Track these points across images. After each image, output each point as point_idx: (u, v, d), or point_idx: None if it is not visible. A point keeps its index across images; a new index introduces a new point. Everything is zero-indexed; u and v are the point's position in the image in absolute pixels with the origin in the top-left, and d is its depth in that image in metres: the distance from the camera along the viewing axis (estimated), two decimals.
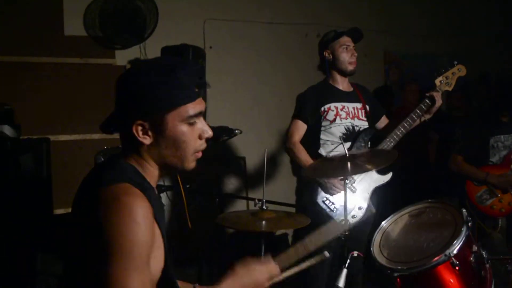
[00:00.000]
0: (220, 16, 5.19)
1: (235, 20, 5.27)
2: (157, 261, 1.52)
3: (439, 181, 4.35)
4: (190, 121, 1.54)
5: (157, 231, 1.51)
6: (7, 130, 3.71)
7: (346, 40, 3.48)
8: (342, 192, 3.21)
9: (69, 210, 1.63)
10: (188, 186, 3.40)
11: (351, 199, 3.26)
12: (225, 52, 5.22)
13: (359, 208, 3.29)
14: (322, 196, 3.32)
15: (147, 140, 1.51)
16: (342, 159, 2.57)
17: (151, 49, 4.67)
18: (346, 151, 2.56)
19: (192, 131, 1.55)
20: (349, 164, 2.52)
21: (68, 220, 1.58)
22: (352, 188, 3.31)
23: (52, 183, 3.88)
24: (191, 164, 1.60)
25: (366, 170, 2.59)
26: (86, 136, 4.52)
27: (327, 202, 3.29)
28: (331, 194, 3.29)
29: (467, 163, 3.82)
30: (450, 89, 3.33)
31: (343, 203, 3.13)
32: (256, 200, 2.68)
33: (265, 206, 2.65)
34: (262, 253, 2.70)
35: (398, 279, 2.23)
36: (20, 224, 3.52)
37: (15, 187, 3.60)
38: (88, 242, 1.43)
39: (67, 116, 4.46)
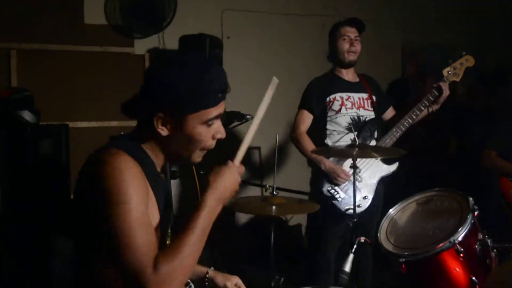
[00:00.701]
0: (238, 6, 5.21)
1: (252, 10, 5.29)
2: (152, 214, 1.56)
3: (461, 176, 4.30)
4: (209, 123, 1.59)
5: (152, 198, 1.57)
6: (27, 115, 3.78)
7: (347, 30, 3.49)
8: (341, 181, 3.28)
9: None
10: (202, 172, 3.45)
11: (357, 188, 3.27)
12: (243, 42, 5.25)
13: (364, 198, 3.32)
14: (327, 185, 3.35)
15: (164, 132, 1.56)
16: (349, 146, 2.61)
17: (170, 38, 4.72)
18: (356, 138, 2.60)
19: (208, 132, 1.61)
20: (356, 149, 2.57)
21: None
22: (358, 178, 3.28)
23: (70, 169, 3.97)
24: (198, 159, 1.66)
25: (371, 157, 2.62)
26: (104, 123, 4.59)
27: (332, 191, 3.32)
28: (336, 184, 3.32)
29: (500, 159, 3.79)
30: (458, 79, 3.31)
31: (348, 193, 3.22)
32: (267, 186, 2.72)
33: (276, 192, 2.69)
34: (272, 241, 2.74)
35: (403, 265, 2.26)
36: (38, 208, 3.60)
37: (34, 171, 3.68)
38: (86, 208, 1.51)
39: (86, 103, 4.53)
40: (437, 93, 3.27)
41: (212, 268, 2.06)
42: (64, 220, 3.66)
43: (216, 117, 1.61)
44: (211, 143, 1.65)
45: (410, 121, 3.30)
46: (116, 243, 1.41)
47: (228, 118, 2.84)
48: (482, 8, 6.37)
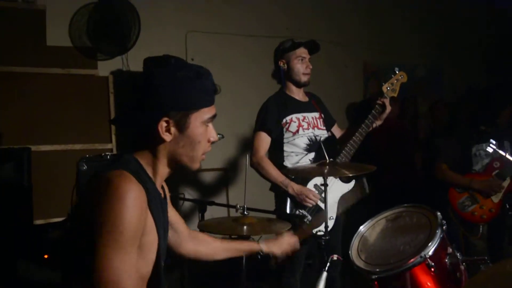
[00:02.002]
0: (202, 28, 5.25)
1: (216, 32, 5.34)
2: (150, 250, 1.61)
3: (423, 189, 4.42)
4: (206, 123, 1.69)
5: (150, 220, 1.59)
6: None
7: (302, 51, 3.51)
8: (310, 203, 3.31)
9: (49, 220, 1.71)
10: (170, 194, 3.41)
11: (321, 209, 3.32)
12: (207, 63, 5.19)
13: (330, 218, 3.35)
14: (295, 209, 3.36)
15: (167, 137, 1.63)
16: (321, 165, 2.64)
17: (133, 60, 4.72)
18: (327, 157, 2.63)
19: (205, 134, 1.70)
20: (327, 167, 2.59)
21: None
22: (322, 199, 3.30)
23: (33, 193, 3.88)
24: (197, 164, 1.73)
25: (343, 174, 2.65)
26: (67, 146, 4.52)
27: (298, 213, 3.34)
28: (304, 205, 3.33)
29: (451, 171, 3.91)
30: (395, 95, 3.42)
31: (315, 215, 3.26)
32: (238, 206, 2.72)
33: (246, 212, 2.68)
34: (244, 262, 2.74)
35: (375, 282, 2.28)
36: (0, 234, 3.50)
37: None
38: (83, 227, 1.52)
39: (48, 126, 4.47)
40: (380, 109, 3.37)
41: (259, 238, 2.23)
42: (28, 246, 3.58)
43: (211, 118, 1.70)
44: (208, 146, 1.74)
45: (360, 137, 3.36)
46: (95, 266, 1.43)
47: None
48: (443, 28, 6.58)
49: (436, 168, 3.99)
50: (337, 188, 3.44)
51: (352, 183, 3.47)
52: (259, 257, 2.12)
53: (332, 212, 3.38)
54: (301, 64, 3.49)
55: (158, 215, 1.63)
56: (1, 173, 3.68)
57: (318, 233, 3.21)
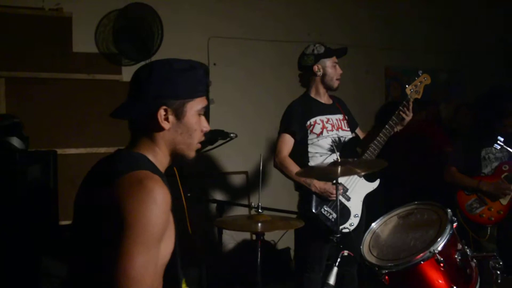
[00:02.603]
0: (224, 34, 5.33)
1: (238, 37, 5.42)
2: (168, 244, 1.65)
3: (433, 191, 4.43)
4: (200, 112, 1.77)
5: (171, 217, 1.63)
6: (16, 141, 3.82)
7: (335, 58, 3.63)
8: (333, 198, 3.36)
9: None
10: (189, 194, 3.49)
11: (346, 207, 3.42)
12: (229, 68, 5.35)
13: (355, 216, 3.44)
14: (319, 206, 3.43)
15: (166, 125, 1.70)
16: (334, 164, 2.68)
17: None
18: (338, 157, 2.67)
19: (199, 123, 1.78)
20: (339, 167, 2.63)
21: (75, 216, 1.71)
22: (346, 196, 3.44)
23: (58, 195, 3.99)
24: (193, 153, 1.81)
25: (356, 173, 2.69)
26: (92, 150, 4.65)
27: (324, 211, 3.40)
28: (328, 200, 3.40)
29: (460, 173, 3.93)
30: (419, 97, 3.44)
31: (340, 212, 3.31)
32: (253, 204, 2.78)
33: (261, 210, 2.74)
34: (258, 259, 2.79)
35: (386, 277, 2.31)
36: (26, 234, 3.61)
37: (22, 197, 3.69)
38: (104, 227, 1.53)
39: (74, 130, 4.60)
40: (402, 116, 3.39)
41: None
42: (54, 245, 3.68)
43: (204, 108, 1.78)
44: (202, 136, 1.81)
45: (385, 138, 3.40)
46: (118, 264, 1.45)
47: (213, 136, 2.90)
48: (464, 31, 6.55)
49: (446, 171, 4.00)
50: (362, 187, 3.50)
51: (377, 182, 3.53)
52: None
53: (357, 210, 3.47)
54: (335, 70, 3.60)
55: (173, 207, 1.67)
56: (28, 175, 3.77)
57: (344, 231, 3.31)
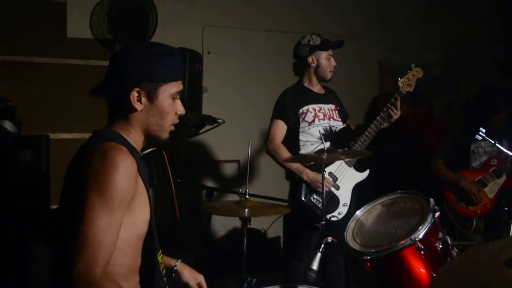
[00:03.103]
0: (219, 22, 5.35)
1: (233, 27, 5.43)
2: (141, 213, 1.77)
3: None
4: (174, 96, 1.85)
5: (141, 186, 1.75)
6: (8, 125, 3.82)
7: (330, 50, 3.67)
8: (326, 188, 3.39)
9: None
10: (178, 180, 3.53)
11: (336, 196, 3.47)
12: (223, 57, 5.37)
13: (344, 205, 3.49)
14: (308, 194, 3.48)
15: (139, 106, 1.78)
16: (319, 152, 2.73)
17: None
18: (325, 145, 2.71)
19: (173, 106, 1.86)
20: (325, 154, 2.68)
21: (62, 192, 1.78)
22: (336, 185, 3.49)
23: (50, 179, 4.01)
24: (166, 134, 1.89)
25: (341, 159, 2.73)
26: (85, 135, 4.60)
27: (313, 200, 3.45)
28: (319, 192, 3.44)
29: (444, 167, 3.98)
30: (411, 90, 3.49)
31: (328, 201, 3.37)
32: (240, 190, 2.82)
33: (248, 196, 2.78)
34: (245, 244, 2.83)
35: (368, 264, 2.35)
36: (17, 217, 3.63)
37: (14, 180, 3.72)
38: (71, 196, 1.66)
39: (67, 115, 4.62)
40: (389, 113, 3.44)
41: (180, 260, 2.17)
42: (44, 229, 3.71)
43: (178, 93, 1.86)
44: (175, 118, 1.89)
45: (376, 129, 3.46)
46: (80, 221, 1.57)
47: (200, 121, 2.95)
48: (460, 28, 6.57)
49: (432, 163, 4.06)
50: (352, 177, 3.55)
51: (367, 172, 3.57)
52: (173, 275, 2.18)
53: (346, 199, 3.52)
54: (329, 62, 3.65)
55: (146, 179, 1.81)
56: (20, 159, 3.79)
57: (332, 219, 3.37)
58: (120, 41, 4.81)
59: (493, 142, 2.80)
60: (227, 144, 5.27)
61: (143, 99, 1.79)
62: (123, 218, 1.67)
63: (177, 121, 1.90)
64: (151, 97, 1.80)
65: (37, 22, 4.55)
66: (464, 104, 5.69)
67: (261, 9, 5.60)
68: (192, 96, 3.89)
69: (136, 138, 1.84)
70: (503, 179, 3.86)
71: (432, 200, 2.39)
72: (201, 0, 5.28)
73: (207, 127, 3.32)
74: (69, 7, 4.67)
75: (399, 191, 2.62)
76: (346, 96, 5.75)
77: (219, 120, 3.06)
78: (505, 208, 2.95)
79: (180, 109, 1.89)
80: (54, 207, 4.14)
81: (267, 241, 5.27)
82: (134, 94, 1.77)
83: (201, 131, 3.47)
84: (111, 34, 4.80)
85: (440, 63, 6.60)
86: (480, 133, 2.79)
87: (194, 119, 2.90)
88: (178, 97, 1.88)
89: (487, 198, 3.85)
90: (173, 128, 1.90)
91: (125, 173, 1.64)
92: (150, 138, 1.89)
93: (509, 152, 2.69)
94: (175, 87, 1.85)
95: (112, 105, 1.85)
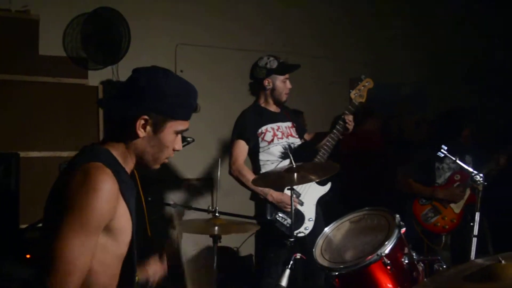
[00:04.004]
0: (192, 41, 5.38)
1: (207, 45, 5.46)
2: (120, 234, 1.73)
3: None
4: (178, 133, 1.86)
5: (123, 208, 1.72)
6: None
7: (287, 74, 3.73)
8: (289, 209, 3.42)
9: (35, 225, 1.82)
10: (149, 199, 3.52)
11: (300, 212, 3.54)
12: (196, 76, 5.35)
13: (309, 220, 3.56)
14: (273, 212, 3.53)
15: (141, 133, 1.78)
16: (288, 170, 2.75)
17: (123, 70, 4.81)
18: (293, 163, 2.74)
19: (174, 141, 1.86)
20: (295, 175, 2.70)
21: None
22: (299, 201, 3.54)
23: (19, 198, 3.96)
24: (158, 166, 1.90)
25: (311, 181, 2.76)
26: (55, 153, 4.60)
27: (278, 218, 3.51)
28: (284, 211, 3.49)
29: (415, 183, 4.07)
30: (363, 100, 3.63)
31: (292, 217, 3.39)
32: (209, 208, 2.84)
33: (218, 214, 2.80)
34: (215, 261, 2.85)
35: (336, 279, 2.38)
36: None
37: None
38: (50, 214, 1.64)
39: (37, 133, 4.55)
40: (341, 129, 3.56)
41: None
42: (12, 248, 3.66)
43: (184, 130, 1.87)
44: (172, 153, 1.89)
45: (333, 142, 3.55)
46: (54, 244, 1.55)
47: None
48: (430, 48, 6.72)
49: (401, 181, 4.16)
50: (314, 191, 3.63)
51: (328, 185, 3.65)
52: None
53: (311, 214, 3.58)
54: (284, 85, 3.71)
55: (130, 200, 1.77)
56: None
57: (299, 235, 3.40)
58: (93, 59, 4.81)
59: (454, 158, 2.88)
60: (200, 162, 5.29)
61: (148, 128, 1.79)
62: (102, 239, 1.66)
63: (172, 155, 1.91)
64: (156, 129, 1.80)
65: (8, 38, 4.49)
66: (430, 123, 5.81)
67: (235, 27, 5.66)
68: None
69: (128, 161, 1.83)
70: (467, 194, 3.97)
71: (398, 216, 2.44)
72: (174, 19, 5.31)
73: None
74: (42, 24, 4.64)
75: (367, 208, 2.67)
76: (318, 113, 5.87)
77: (189, 139, 3.08)
78: (471, 224, 3.01)
79: (179, 146, 1.90)
80: (23, 226, 4.10)
81: (240, 259, 5.26)
82: (141, 122, 1.77)
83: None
84: (84, 52, 4.80)
85: (410, 82, 6.73)
86: (441, 150, 2.86)
87: None
88: (181, 134, 1.89)
89: (454, 213, 3.94)
90: (166, 161, 1.91)
91: (104, 197, 1.62)
92: (140, 165, 1.88)
93: (469, 168, 2.76)
94: (182, 125, 1.85)
95: (113, 122, 1.84)
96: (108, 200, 1.63)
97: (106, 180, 1.63)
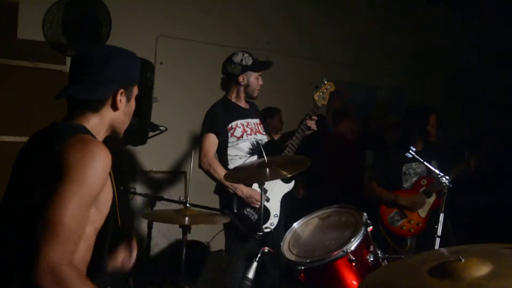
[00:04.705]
0: (173, 34, 5.38)
1: (188, 39, 5.47)
2: (103, 208, 1.78)
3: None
4: (135, 97, 1.97)
5: (109, 182, 1.79)
6: None
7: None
8: (258, 204, 3.49)
9: None
10: (121, 188, 3.52)
11: (266, 208, 3.59)
12: (176, 69, 5.39)
13: (275, 216, 3.62)
14: (240, 207, 3.57)
15: (121, 106, 1.89)
16: (260, 165, 2.77)
17: None
18: (265, 157, 2.76)
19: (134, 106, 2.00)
20: (267, 170, 2.73)
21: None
22: (266, 197, 3.59)
23: None
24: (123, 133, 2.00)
25: (283, 176, 2.79)
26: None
27: (246, 212, 3.57)
28: (253, 206, 3.54)
29: (379, 188, 4.09)
30: (325, 103, 3.76)
31: (259, 212, 3.46)
32: (180, 198, 2.85)
33: (189, 205, 2.81)
34: (183, 252, 2.86)
35: (302, 274, 2.41)
36: None
37: None
38: (45, 179, 1.64)
39: (13, 117, 4.52)
40: (303, 131, 3.65)
41: None
42: None
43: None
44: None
45: (298, 141, 3.63)
46: (52, 208, 1.57)
47: (141, 126, 2.96)
48: (410, 51, 6.81)
49: (367, 185, 4.20)
50: (279, 188, 3.69)
51: (292, 183, 3.75)
52: None
53: (276, 210, 3.64)
54: (257, 82, 3.76)
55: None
56: None
57: (265, 230, 3.43)
58: (74, 46, 4.77)
59: (421, 160, 2.91)
60: (177, 154, 5.29)
61: (123, 99, 1.89)
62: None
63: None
64: (129, 98, 1.92)
65: None
66: (399, 123, 5.89)
67: (217, 23, 5.68)
68: (141, 105, 3.90)
69: (100, 135, 1.89)
70: (433, 198, 3.99)
71: (365, 214, 2.48)
72: (157, 10, 5.31)
73: (155, 138, 3.32)
74: (21, 7, 4.61)
75: (335, 205, 2.71)
76: (296, 112, 5.89)
77: (161, 127, 3.09)
78: (435, 226, 3.06)
79: (133, 106, 2.00)
80: None
81: (211, 255, 5.28)
82: (119, 95, 1.87)
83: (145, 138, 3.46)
84: (65, 38, 4.76)
85: (389, 85, 6.81)
86: (410, 151, 2.89)
87: (134, 123, 2.90)
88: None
89: (419, 217, 3.99)
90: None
91: (103, 166, 1.67)
92: (112, 135, 1.97)
93: (436, 171, 2.80)
94: (137, 88, 1.98)
95: (86, 102, 1.86)
96: (105, 169, 1.69)
97: (103, 149, 1.70)
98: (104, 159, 1.68)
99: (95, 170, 1.64)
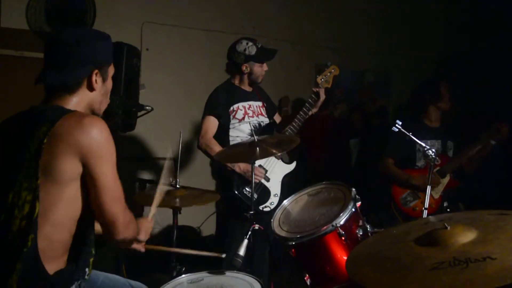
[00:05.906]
0: (159, 20, 5.37)
1: (173, 24, 5.47)
2: None
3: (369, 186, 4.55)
4: (111, 76, 2.05)
5: None
6: None
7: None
8: (257, 179, 3.54)
9: None
10: None
11: (267, 188, 3.62)
12: (162, 55, 5.39)
13: (275, 195, 3.65)
14: (240, 186, 3.59)
15: (97, 85, 1.96)
16: (251, 144, 2.79)
17: None
18: (255, 137, 2.79)
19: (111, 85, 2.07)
20: (258, 149, 2.75)
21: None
22: (266, 177, 3.63)
23: None
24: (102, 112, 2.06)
25: (272, 154, 2.82)
26: None
27: (245, 192, 3.57)
28: (249, 182, 3.51)
29: (394, 166, 4.02)
30: (329, 86, 3.72)
31: (259, 192, 3.50)
32: (171, 180, 2.86)
33: (178, 186, 2.82)
34: (175, 233, 2.88)
35: (293, 249, 2.44)
36: None
37: None
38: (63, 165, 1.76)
39: None
40: (315, 98, 3.66)
41: None
42: None
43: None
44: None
45: (299, 123, 3.65)
46: (106, 186, 1.80)
47: (126, 107, 2.95)
48: (396, 35, 6.84)
49: (382, 163, 4.07)
50: (280, 168, 3.73)
51: (294, 164, 3.78)
52: None
53: (276, 190, 3.68)
54: (261, 69, 3.80)
55: None
56: None
57: (265, 209, 3.53)
58: None
59: (408, 134, 2.85)
60: (165, 140, 5.28)
61: (99, 80, 1.97)
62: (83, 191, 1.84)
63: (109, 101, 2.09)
64: (104, 78, 2.00)
65: None
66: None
67: (202, 8, 5.68)
68: (128, 92, 3.89)
69: None
70: (447, 179, 3.91)
71: (354, 189, 2.51)
72: None
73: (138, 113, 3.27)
74: None
75: (324, 182, 2.73)
76: (282, 96, 5.92)
77: (147, 107, 3.09)
78: (447, 210, 3.01)
79: (111, 85, 2.07)
80: None
81: (201, 239, 5.31)
82: (94, 76, 1.94)
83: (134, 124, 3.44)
84: (49, 26, 4.73)
85: (376, 69, 6.84)
86: (396, 125, 2.85)
87: (118, 103, 2.91)
88: None
89: (433, 198, 3.85)
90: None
91: (108, 133, 1.83)
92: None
93: (422, 144, 2.76)
94: (112, 68, 2.05)
95: (63, 86, 1.92)
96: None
97: (104, 123, 1.84)
98: (104, 127, 1.81)
99: (112, 142, 1.83)
